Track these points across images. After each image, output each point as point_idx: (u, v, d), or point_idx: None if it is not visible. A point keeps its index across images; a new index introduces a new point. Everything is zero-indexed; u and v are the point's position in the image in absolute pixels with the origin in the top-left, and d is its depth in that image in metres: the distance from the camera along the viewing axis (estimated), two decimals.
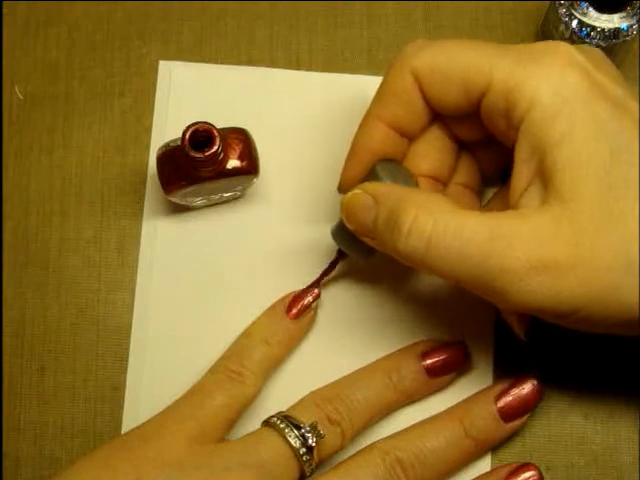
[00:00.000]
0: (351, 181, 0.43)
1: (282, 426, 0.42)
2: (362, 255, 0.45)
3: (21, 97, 0.51)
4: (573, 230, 0.36)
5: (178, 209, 0.49)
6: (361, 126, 0.43)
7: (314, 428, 0.42)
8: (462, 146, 0.45)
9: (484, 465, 0.46)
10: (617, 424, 0.47)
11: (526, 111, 0.37)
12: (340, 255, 0.46)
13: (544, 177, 0.37)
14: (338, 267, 0.47)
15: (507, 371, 0.46)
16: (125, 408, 0.47)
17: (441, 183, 0.45)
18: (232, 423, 0.44)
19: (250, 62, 0.52)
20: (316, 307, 0.47)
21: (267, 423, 0.43)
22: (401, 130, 0.42)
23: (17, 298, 0.48)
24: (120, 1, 0.52)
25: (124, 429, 0.47)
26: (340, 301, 0.48)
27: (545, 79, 0.37)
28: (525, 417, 0.45)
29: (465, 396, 0.46)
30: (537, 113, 0.37)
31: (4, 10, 0.52)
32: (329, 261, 0.46)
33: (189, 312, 0.48)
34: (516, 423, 0.44)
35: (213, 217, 0.49)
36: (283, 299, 0.46)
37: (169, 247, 0.49)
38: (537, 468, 0.44)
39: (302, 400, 0.44)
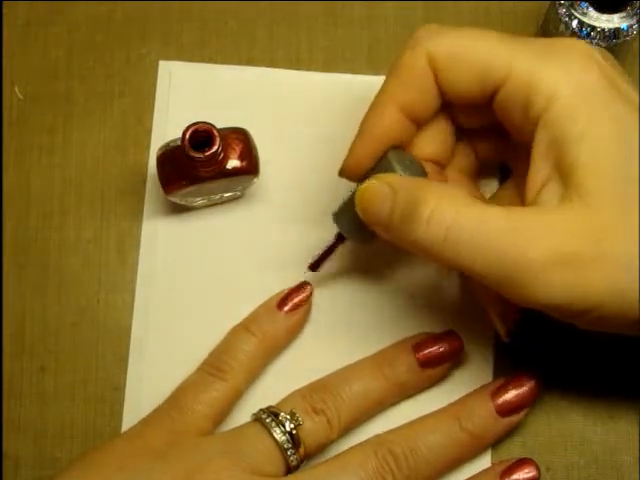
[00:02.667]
0: (357, 165, 0.42)
1: (264, 417, 0.42)
2: (363, 240, 0.44)
3: (21, 97, 0.51)
4: (595, 226, 0.36)
5: (178, 209, 0.49)
6: (372, 107, 0.42)
7: (292, 415, 0.42)
8: (461, 131, 0.45)
9: (484, 463, 0.45)
10: (617, 424, 0.47)
11: (546, 106, 0.37)
12: (338, 239, 0.45)
13: (563, 173, 0.37)
14: (335, 265, 0.47)
15: (507, 369, 0.46)
16: (125, 408, 0.47)
17: (441, 167, 0.44)
18: (218, 418, 0.44)
19: (250, 62, 0.52)
20: (309, 304, 0.47)
21: (254, 417, 0.43)
22: (412, 115, 0.41)
23: (17, 298, 0.48)
24: (120, 1, 0.52)
25: (124, 429, 0.46)
26: (336, 298, 0.48)
27: (566, 75, 0.37)
28: (522, 413, 0.44)
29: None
30: (557, 108, 0.37)
31: (4, 10, 0.52)
32: (326, 245, 0.46)
33: (189, 312, 0.48)
34: (513, 419, 0.44)
35: (213, 217, 0.49)
36: (277, 294, 0.47)
37: (169, 247, 0.49)
38: (535, 464, 0.43)
39: (290, 394, 0.44)
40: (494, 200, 0.46)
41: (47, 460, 0.47)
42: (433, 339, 0.45)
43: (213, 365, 0.45)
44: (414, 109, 0.41)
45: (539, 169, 0.38)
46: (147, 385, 0.47)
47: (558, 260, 0.36)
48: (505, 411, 0.44)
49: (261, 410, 0.43)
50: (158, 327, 0.48)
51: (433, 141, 0.43)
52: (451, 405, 0.45)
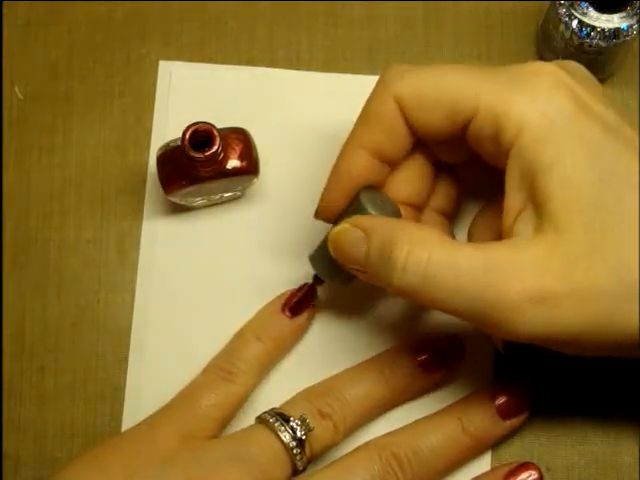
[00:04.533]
0: (331, 207, 0.43)
1: (272, 421, 0.42)
2: (341, 282, 0.44)
3: (21, 97, 0.51)
4: (567, 258, 0.36)
5: (178, 209, 0.49)
6: (342, 152, 0.42)
7: (303, 420, 0.42)
8: (441, 167, 0.44)
9: (484, 464, 0.46)
10: (617, 424, 0.47)
11: (515, 136, 0.37)
12: (316, 281, 0.46)
13: (536, 203, 0.37)
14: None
15: (507, 373, 0.46)
16: (125, 408, 0.47)
17: (417, 209, 0.44)
18: (225, 421, 0.44)
19: (250, 62, 0.52)
20: (314, 306, 0.47)
21: (259, 419, 0.43)
22: (383, 157, 0.41)
23: (17, 298, 0.48)
24: (120, 1, 0.52)
25: (124, 429, 0.46)
26: (340, 301, 0.48)
27: (532, 102, 0.37)
28: (524, 415, 0.45)
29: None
30: (526, 138, 0.37)
31: (4, 10, 0.52)
32: (305, 287, 0.46)
33: (189, 312, 0.48)
34: (514, 421, 0.44)
35: (213, 217, 0.49)
36: (280, 297, 0.47)
37: (169, 247, 0.49)
38: (537, 467, 0.44)
39: (294, 396, 0.44)
40: (474, 225, 0.45)
41: (47, 460, 0.47)
42: (434, 343, 0.45)
43: (224, 368, 0.44)
44: (383, 150, 0.41)
45: (513, 199, 0.38)
46: (147, 385, 0.47)
47: (532, 298, 0.36)
48: (507, 413, 0.44)
49: (267, 413, 0.43)
50: (158, 327, 0.48)
51: (408, 182, 0.43)
52: (452, 406, 0.45)
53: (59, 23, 0.52)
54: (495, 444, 0.45)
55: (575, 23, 0.46)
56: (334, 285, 0.45)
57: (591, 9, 0.46)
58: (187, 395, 0.44)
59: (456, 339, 0.46)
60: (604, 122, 0.37)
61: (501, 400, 0.44)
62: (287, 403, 0.44)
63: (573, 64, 0.40)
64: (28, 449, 0.47)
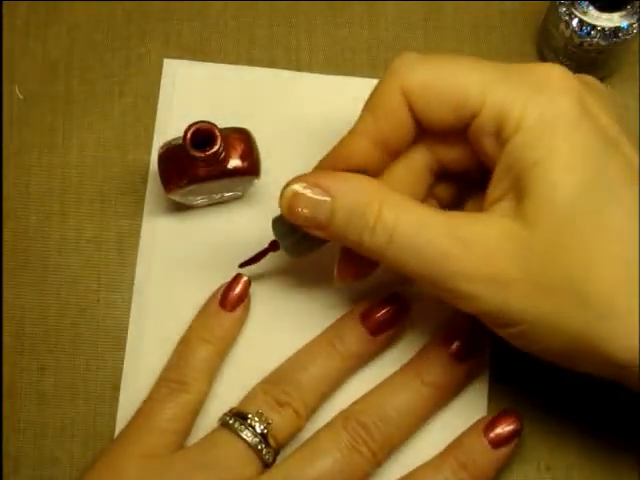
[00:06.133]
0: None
1: (231, 422, 0.42)
2: (298, 252, 0.44)
3: (21, 97, 0.51)
4: (527, 248, 0.36)
5: (178, 208, 0.49)
6: (344, 137, 0.42)
7: (260, 415, 0.42)
8: (440, 179, 0.44)
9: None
10: (617, 424, 0.47)
11: (512, 134, 0.37)
12: (272, 247, 0.45)
13: (516, 196, 0.37)
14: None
15: (506, 372, 0.46)
16: (120, 408, 0.47)
17: None
18: (187, 431, 0.44)
19: (250, 62, 0.52)
20: (249, 295, 0.47)
21: (220, 422, 0.44)
22: (385, 146, 0.41)
23: (17, 298, 0.48)
24: (120, 1, 0.52)
25: (118, 429, 0.46)
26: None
27: (534, 103, 0.37)
28: (481, 356, 0.45)
29: (462, 409, 0.46)
30: (520, 136, 0.37)
31: (4, 10, 0.52)
32: (258, 250, 0.45)
33: (188, 312, 0.48)
34: (471, 362, 0.45)
35: (213, 217, 0.49)
36: (214, 295, 0.47)
37: (169, 246, 0.49)
38: (517, 416, 0.44)
39: (251, 390, 0.45)
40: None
41: (47, 460, 0.46)
42: (379, 305, 0.45)
43: (174, 380, 0.44)
44: (387, 141, 0.41)
45: (494, 188, 0.38)
46: (143, 385, 0.46)
47: (486, 272, 0.37)
48: (462, 357, 0.44)
49: (226, 414, 0.43)
50: (156, 326, 0.48)
51: (406, 175, 0.43)
52: (408, 363, 0.45)
53: (59, 23, 0.52)
54: (460, 390, 0.46)
55: (575, 22, 0.47)
56: (292, 255, 0.44)
57: (591, 8, 0.46)
58: (144, 413, 0.44)
59: (399, 297, 0.46)
60: (606, 134, 0.37)
61: (455, 345, 0.44)
62: (245, 399, 0.44)
63: (591, 78, 0.40)
64: (28, 449, 0.47)
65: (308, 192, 0.40)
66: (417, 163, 0.43)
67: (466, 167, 0.42)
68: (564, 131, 0.37)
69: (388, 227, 0.38)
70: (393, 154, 0.42)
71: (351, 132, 0.41)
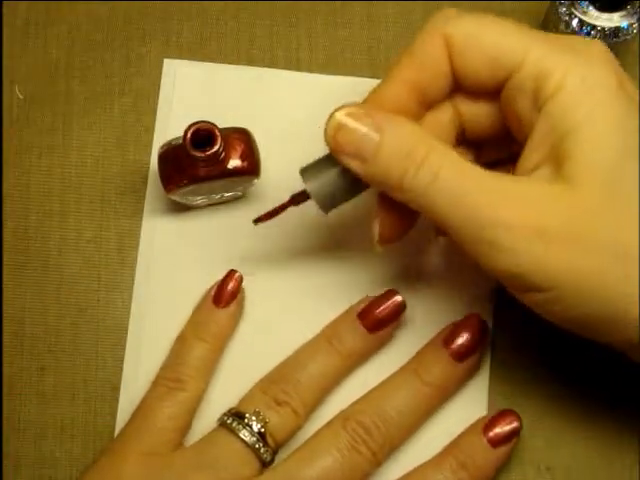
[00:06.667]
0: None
1: (229, 422, 0.43)
2: (330, 201, 0.41)
3: (21, 97, 0.51)
4: (573, 207, 0.36)
5: (178, 208, 0.49)
6: (381, 84, 0.41)
7: (257, 415, 0.42)
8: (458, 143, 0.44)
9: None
10: (617, 424, 0.47)
11: (552, 94, 0.37)
12: (292, 200, 0.42)
13: (556, 161, 0.37)
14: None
15: (506, 374, 0.46)
16: (120, 408, 0.47)
17: None
18: (185, 429, 0.44)
19: (250, 62, 0.52)
20: (243, 290, 0.47)
21: (219, 422, 0.44)
22: (420, 95, 0.41)
23: (17, 298, 0.48)
24: (120, 1, 0.52)
25: (118, 429, 0.46)
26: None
27: (576, 67, 0.37)
28: (479, 354, 0.45)
29: (461, 409, 0.46)
30: (561, 98, 0.37)
31: (4, 10, 0.52)
32: (283, 202, 0.43)
33: (188, 312, 0.48)
34: (470, 361, 0.45)
35: (213, 217, 0.49)
36: (208, 293, 0.47)
37: (169, 246, 0.49)
38: (517, 415, 0.44)
39: (250, 390, 0.45)
40: None
41: (47, 460, 0.47)
42: (375, 302, 0.45)
43: (171, 378, 0.45)
44: (425, 89, 0.40)
45: (532, 153, 0.38)
46: (143, 384, 0.46)
47: (528, 225, 0.36)
48: (461, 356, 0.44)
49: (224, 414, 0.43)
50: (156, 326, 0.48)
51: (437, 127, 0.42)
52: (408, 362, 0.45)
53: (59, 23, 0.52)
54: (459, 388, 0.46)
55: (575, 22, 0.46)
56: (322, 204, 0.41)
57: (591, 8, 0.46)
58: (142, 413, 0.44)
59: (396, 294, 0.45)
60: (637, 105, 0.38)
61: (454, 345, 0.44)
62: (244, 398, 0.44)
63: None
64: (28, 449, 0.47)
65: (362, 118, 0.38)
66: (444, 121, 0.42)
67: (488, 134, 0.42)
68: (605, 97, 0.37)
69: (433, 168, 0.37)
70: (425, 105, 0.41)
71: (387, 79, 0.41)
